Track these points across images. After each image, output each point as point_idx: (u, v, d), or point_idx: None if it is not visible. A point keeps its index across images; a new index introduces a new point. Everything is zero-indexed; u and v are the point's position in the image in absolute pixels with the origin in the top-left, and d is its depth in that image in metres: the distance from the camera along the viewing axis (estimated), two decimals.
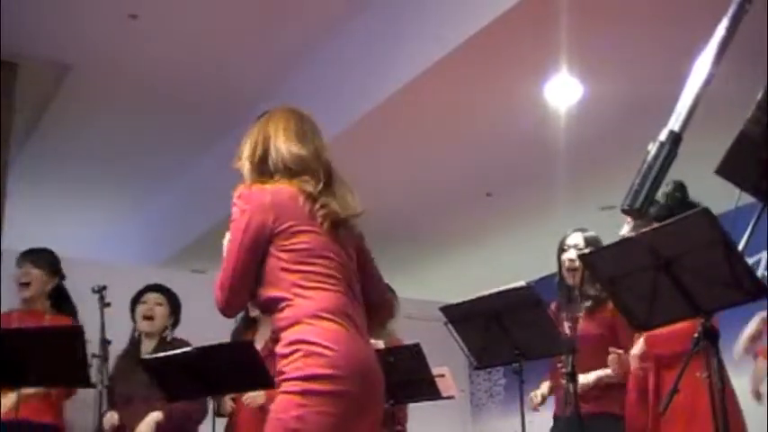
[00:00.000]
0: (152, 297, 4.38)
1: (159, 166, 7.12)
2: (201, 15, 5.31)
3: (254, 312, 4.08)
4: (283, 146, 2.25)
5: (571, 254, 3.79)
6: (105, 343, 4.02)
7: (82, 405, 4.44)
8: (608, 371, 3.62)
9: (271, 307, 2.16)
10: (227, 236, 2.20)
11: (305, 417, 1.98)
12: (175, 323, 4.41)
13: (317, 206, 2.19)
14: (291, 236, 2.14)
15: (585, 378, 3.62)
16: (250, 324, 4.28)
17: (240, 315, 4.24)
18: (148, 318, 4.33)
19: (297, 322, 2.08)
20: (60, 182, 7.38)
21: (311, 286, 2.12)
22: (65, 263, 4.43)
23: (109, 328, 4.02)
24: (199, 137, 6.61)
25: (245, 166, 2.30)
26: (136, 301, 4.39)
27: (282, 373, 2.06)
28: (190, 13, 5.28)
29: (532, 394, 3.88)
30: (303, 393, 2.00)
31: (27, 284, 4.24)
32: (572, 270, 3.78)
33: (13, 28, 5.03)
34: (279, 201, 2.16)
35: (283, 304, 2.11)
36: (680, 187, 3.24)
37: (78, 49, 5.56)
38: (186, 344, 4.24)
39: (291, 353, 2.05)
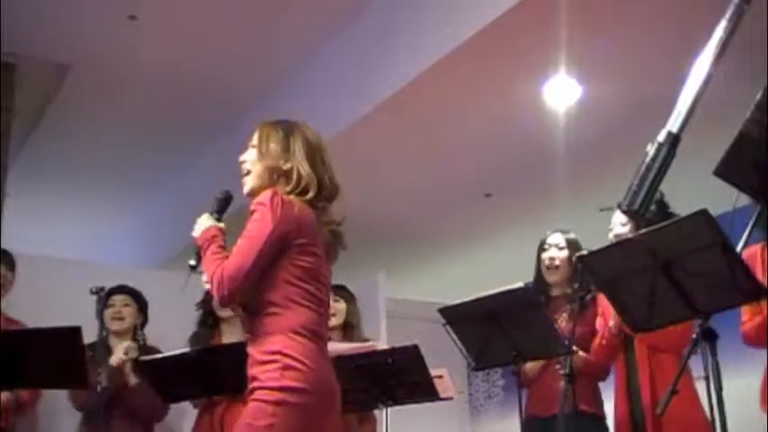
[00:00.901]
0: (119, 299, 4.39)
1: (158, 167, 7.12)
2: (201, 16, 5.31)
3: (225, 312, 4.07)
4: (308, 168, 2.37)
5: (552, 252, 3.92)
6: (104, 344, 4.02)
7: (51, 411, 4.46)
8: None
9: (259, 309, 2.25)
10: (245, 231, 2.27)
11: (276, 426, 2.10)
12: (144, 322, 4.45)
13: (325, 231, 2.36)
14: (302, 253, 2.27)
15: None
16: (214, 325, 4.29)
17: (200, 318, 4.28)
18: (118, 318, 4.35)
19: (280, 332, 2.21)
20: (59, 182, 7.38)
21: (302, 303, 2.26)
22: (63, 264, 4.44)
23: None
24: (198, 137, 6.61)
25: (261, 168, 2.39)
26: (103, 305, 4.32)
27: (256, 379, 2.19)
28: (189, 13, 5.28)
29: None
30: (277, 403, 2.12)
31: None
32: (552, 268, 3.89)
33: (12, 28, 5.03)
34: (303, 217, 2.28)
35: (273, 310, 2.24)
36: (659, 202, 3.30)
37: (78, 49, 5.55)
38: (158, 351, 4.25)
39: (269, 361, 2.17)
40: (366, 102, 5.34)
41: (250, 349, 2.26)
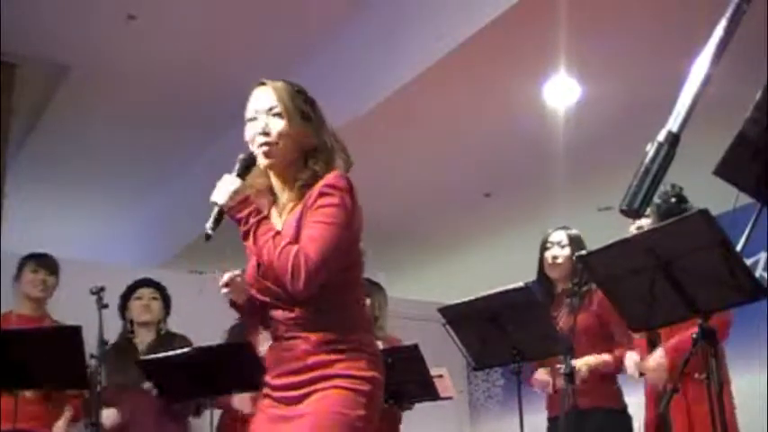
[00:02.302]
0: (146, 292, 4.43)
1: (158, 167, 7.12)
2: (200, 16, 5.31)
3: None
4: (330, 138, 2.24)
5: (555, 251, 3.92)
6: (103, 344, 4.02)
7: None
8: (604, 357, 3.65)
9: (331, 303, 2.08)
10: (321, 214, 2.05)
11: (369, 417, 2.00)
12: (167, 316, 4.47)
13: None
14: (357, 245, 2.16)
15: (585, 361, 3.62)
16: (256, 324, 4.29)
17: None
18: (147, 310, 4.38)
19: (358, 327, 2.11)
20: (59, 182, 7.38)
21: (361, 298, 2.21)
22: (63, 264, 4.44)
23: (106, 329, 4.01)
24: (198, 137, 6.61)
25: (291, 141, 2.16)
26: (128, 296, 4.41)
27: (326, 365, 2.02)
28: (189, 13, 5.28)
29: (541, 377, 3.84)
30: (369, 395, 2.01)
31: (44, 289, 4.29)
32: (554, 265, 3.90)
33: (11, 28, 5.03)
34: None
35: (341, 302, 2.10)
36: (677, 194, 3.28)
37: (77, 49, 5.55)
38: (183, 337, 4.28)
39: (351, 350, 2.04)
40: (366, 101, 5.35)
41: (311, 336, 2.05)
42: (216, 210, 2.13)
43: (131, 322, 4.37)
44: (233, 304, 2.21)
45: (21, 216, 6.20)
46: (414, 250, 7.68)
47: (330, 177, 2.09)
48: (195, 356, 3.72)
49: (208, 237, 2.12)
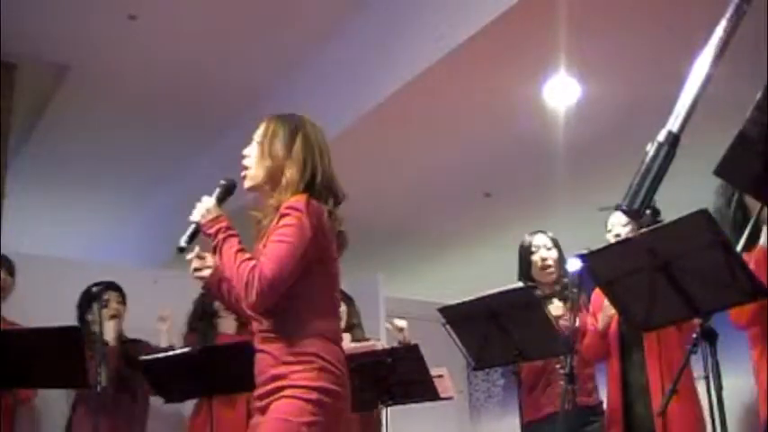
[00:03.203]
0: (114, 296, 4.40)
1: (158, 167, 7.12)
2: (201, 16, 5.31)
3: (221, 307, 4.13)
4: (328, 171, 2.34)
5: (543, 253, 3.95)
6: (103, 344, 4.02)
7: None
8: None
9: (288, 312, 2.22)
10: (277, 234, 2.19)
11: (314, 424, 2.11)
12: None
13: (340, 236, 2.35)
14: (329, 260, 2.28)
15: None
16: (210, 320, 4.33)
17: (196, 313, 4.31)
18: (115, 317, 4.39)
19: (314, 336, 2.21)
20: (59, 182, 7.38)
21: (329, 309, 2.29)
22: (63, 264, 4.44)
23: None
24: (198, 137, 6.61)
25: (262, 166, 2.33)
26: (95, 298, 4.33)
27: (283, 377, 2.17)
28: (189, 13, 5.28)
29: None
30: (317, 403, 2.13)
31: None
32: (545, 268, 3.91)
33: (12, 28, 5.03)
34: (329, 225, 2.27)
35: (304, 314, 2.22)
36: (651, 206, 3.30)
37: (77, 49, 5.55)
38: (147, 343, 4.28)
39: (304, 362, 2.17)
40: (366, 102, 5.35)
41: (273, 349, 2.22)
42: (192, 227, 2.35)
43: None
44: (206, 288, 2.43)
45: (21, 216, 6.20)
46: (413, 250, 7.67)
47: (291, 200, 2.23)
48: (195, 356, 3.72)
49: (181, 250, 2.35)
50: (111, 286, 4.33)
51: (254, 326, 2.31)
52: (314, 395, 2.13)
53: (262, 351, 2.26)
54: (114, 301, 4.42)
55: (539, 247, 3.95)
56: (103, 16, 5.24)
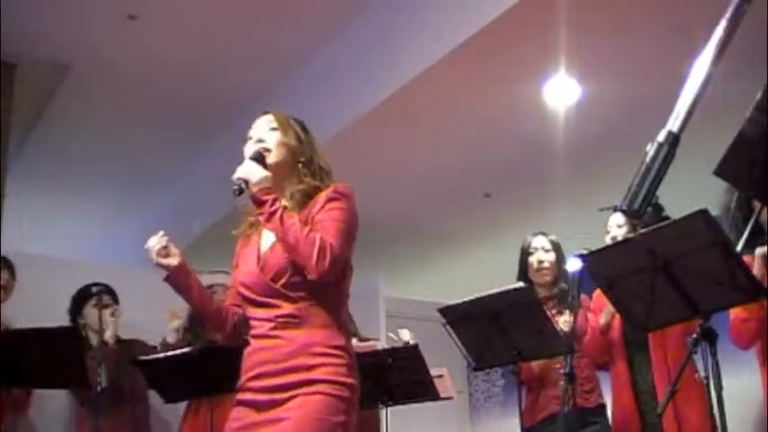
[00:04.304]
0: (107, 298, 4.38)
1: (158, 167, 7.12)
2: (200, 16, 5.31)
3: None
4: (323, 160, 2.37)
5: (540, 255, 3.95)
6: (103, 344, 4.02)
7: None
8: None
9: (323, 298, 2.17)
10: (334, 214, 2.19)
11: (347, 424, 2.05)
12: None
13: None
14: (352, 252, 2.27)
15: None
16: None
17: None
18: (114, 318, 4.34)
19: (338, 327, 2.18)
20: (59, 182, 7.37)
21: (346, 302, 2.27)
22: (63, 264, 4.44)
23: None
24: (198, 137, 6.61)
25: (284, 149, 2.32)
26: (88, 297, 4.34)
27: (311, 369, 2.07)
28: (189, 13, 5.28)
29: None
30: (349, 401, 2.08)
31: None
32: (542, 270, 3.92)
33: (11, 28, 5.03)
34: None
35: (333, 303, 2.19)
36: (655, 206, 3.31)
37: (77, 49, 5.55)
38: (144, 343, 4.27)
39: (334, 355, 2.11)
40: (366, 101, 5.35)
41: (296, 336, 2.12)
42: (241, 185, 2.22)
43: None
44: (170, 279, 2.30)
45: (21, 216, 6.20)
46: (414, 250, 7.67)
47: (339, 186, 2.25)
48: (195, 356, 3.72)
49: (240, 192, 2.22)
50: (105, 287, 4.32)
51: (260, 313, 2.18)
52: (347, 393, 2.08)
53: (275, 338, 2.13)
54: (112, 302, 4.41)
55: (536, 249, 3.97)
56: (103, 16, 5.24)
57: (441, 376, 4.09)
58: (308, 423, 2.00)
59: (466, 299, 3.48)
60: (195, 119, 6.35)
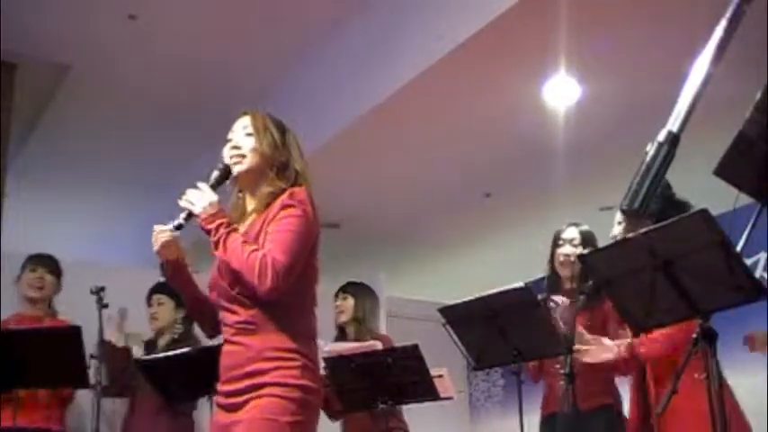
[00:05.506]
0: (155, 298, 4.46)
1: (158, 167, 7.11)
2: (201, 16, 5.31)
3: None
4: (302, 165, 2.38)
5: (566, 249, 3.87)
6: (103, 344, 4.01)
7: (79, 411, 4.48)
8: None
9: (278, 306, 2.19)
10: (285, 223, 2.20)
11: (300, 424, 2.10)
12: (187, 316, 4.39)
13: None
14: (315, 254, 2.28)
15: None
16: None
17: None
18: (154, 319, 4.42)
19: (297, 332, 2.20)
20: (59, 183, 7.38)
21: (311, 306, 2.29)
22: (63, 264, 4.44)
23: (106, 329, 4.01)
24: (198, 137, 6.59)
25: (258, 155, 2.35)
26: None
27: (263, 373, 2.13)
28: (189, 13, 5.28)
29: None
30: (300, 402, 2.12)
31: (41, 288, 4.28)
32: (566, 264, 3.86)
33: (12, 28, 5.03)
34: None
35: (290, 309, 2.21)
36: (666, 186, 3.26)
37: (77, 49, 5.55)
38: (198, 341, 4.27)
39: (287, 359, 2.15)
40: (366, 102, 5.35)
41: (252, 342, 2.18)
42: (185, 215, 2.35)
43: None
44: (164, 266, 2.38)
45: (21, 216, 6.20)
46: (414, 250, 7.67)
47: (295, 190, 2.26)
48: (195, 356, 3.71)
49: (178, 227, 2.37)
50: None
51: (226, 317, 2.26)
52: (297, 394, 2.12)
53: (236, 344, 2.21)
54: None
55: (564, 242, 3.90)
56: (103, 16, 5.24)
57: (441, 376, 4.08)
58: (257, 424, 2.09)
59: (466, 299, 3.48)
60: (195, 118, 6.35)
